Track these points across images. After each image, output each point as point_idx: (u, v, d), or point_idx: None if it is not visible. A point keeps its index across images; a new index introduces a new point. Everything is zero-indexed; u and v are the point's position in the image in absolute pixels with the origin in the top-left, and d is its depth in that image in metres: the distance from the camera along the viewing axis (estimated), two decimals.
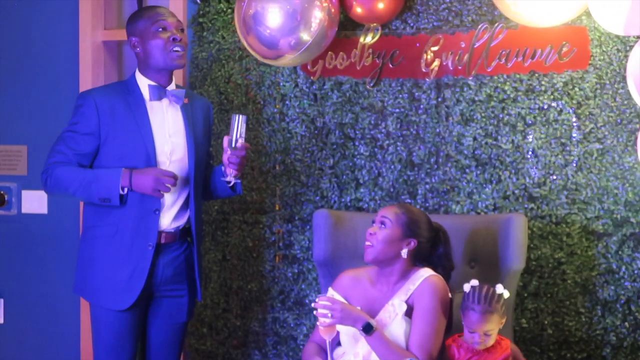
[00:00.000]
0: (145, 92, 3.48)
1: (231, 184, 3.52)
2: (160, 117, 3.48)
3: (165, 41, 3.42)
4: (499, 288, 3.18)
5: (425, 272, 3.25)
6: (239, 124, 3.39)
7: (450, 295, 3.25)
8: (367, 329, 3.09)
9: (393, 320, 3.17)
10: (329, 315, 3.10)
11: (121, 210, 3.42)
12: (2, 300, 4.72)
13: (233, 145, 3.39)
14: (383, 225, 3.23)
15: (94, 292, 3.50)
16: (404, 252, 3.24)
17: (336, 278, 3.44)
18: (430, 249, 3.31)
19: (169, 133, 3.48)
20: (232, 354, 4.24)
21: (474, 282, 3.23)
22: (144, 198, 3.41)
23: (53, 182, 3.42)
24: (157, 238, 3.44)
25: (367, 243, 3.25)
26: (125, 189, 3.36)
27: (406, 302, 3.19)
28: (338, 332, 3.21)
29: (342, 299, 3.26)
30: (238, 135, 3.39)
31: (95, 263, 3.49)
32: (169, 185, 3.34)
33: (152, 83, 3.48)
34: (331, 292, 3.33)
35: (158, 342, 3.60)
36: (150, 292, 3.51)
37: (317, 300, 3.15)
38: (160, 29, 3.43)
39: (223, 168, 3.48)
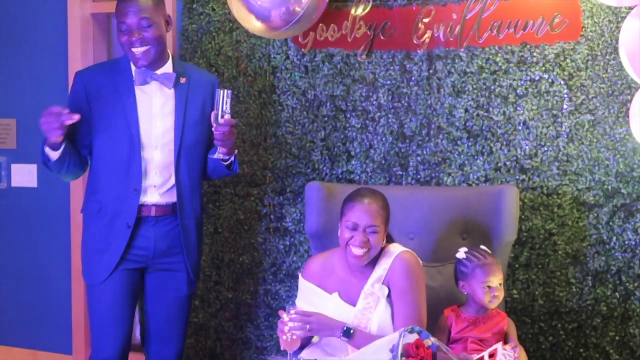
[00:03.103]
0: (135, 74, 3.48)
1: (227, 161, 3.51)
2: (148, 101, 3.47)
3: (126, 40, 3.39)
4: (485, 248, 3.30)
5: (395, 249, 3.21)
6: (223, 99, 3.32)
7: (421, 263, 3.22)
8: (347, 334, 3.05)
9: (377, 305, 3.14)
10: (307, 328, 3.02)
11: (105, 188, 3.46)
12: None
13: (218, 120, 3.34)
14: (375, 233, 3.12)
15: (84, 267, 3.56)
16: (385, 239, 3.21)
17: (304, 266, 3.38)
18: None
19: (157, 116, 3.46)
20: (224, 326, 4.26)
21: (464, 248, 3.28)
22: (127, 177, 3.42)
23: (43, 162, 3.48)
24: (138, 214, 3.43)
25: (360, 251, 3.11)
26: (60, 148, 3.33)
27: (383, 282, 3.15)
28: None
29: (317, 290, 3.24)
30: (222, 110, 3.33)
31: (83, 239, 3.56)
32: (60, 123, 3.23)
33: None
34: (302, 282, 3.30)
35: (159, 316, 3.59)
36: (144, 264, 3.52)
37: (289, 313, 3.03)
38: (123, 29, 3.39)
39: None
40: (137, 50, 3.38)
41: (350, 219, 3.12)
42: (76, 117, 3.24)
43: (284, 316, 3.04)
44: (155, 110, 3.46)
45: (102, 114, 3.43)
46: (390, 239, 3.28)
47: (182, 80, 3.50)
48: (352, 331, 3.05)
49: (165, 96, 3.49)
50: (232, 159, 3.53)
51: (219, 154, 3.43)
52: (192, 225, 3.57)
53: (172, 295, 3.57)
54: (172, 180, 3.49)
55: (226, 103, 3.33)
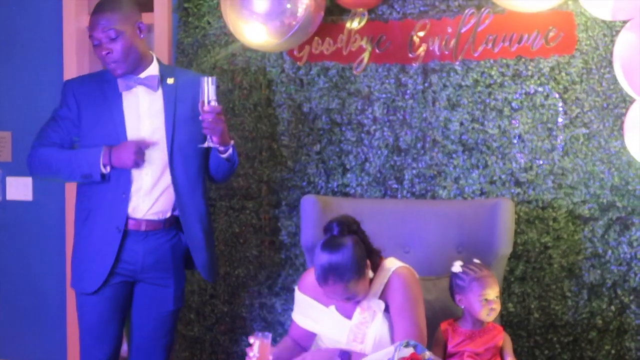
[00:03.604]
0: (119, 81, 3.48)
1: (225, 153, 3.47)
2: (135, 102, 3.46)
3: (99, 54, 3.41)
4: (478, 261, 3.29)
5: (391, 264, 3.19)
6: (208, 86, 3.32)
7: (417, 276, 3.21)
8: (345, 357, 3.05)
9: (374, 319, 3.12)
10: None
11: (94, 194, 3.45)
12: None
13: (203, 108, 3.34)
14: (354, 297, 3.09)
15: (73, 276, 3.56)
16: (370, 274, 3.12)
17: (300, 279, 3.37)
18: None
19: (144, 115, 3.46)
20: (220, 340, 4.25)
21: (460, 262, 3.27)
22: (115, 181, 3.41)
23: (37, 162, 3.48)
24: (126, 223, 3.43)
25: (350, 302, 3.13)
26: (107, 167, 3.38)
27: (380, 298, 3.13)
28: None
29: (313, 303, 3.23)
30: (208, 98, 3.33)
31: (73, 247, 3.56)
32: (141, 156, 3.36)
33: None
34: (298, 294, 3.29)
35: (144, 330, 3.58)
36: (133, 278, 3.51)
37: (257, 337, 3.05)
38: (94, 43, 3.40)
39: None
40: (109, 63, 3.39)
41: (326, 294, 3.11)
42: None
43: (250, 340, 3.05)
44: (143, 111, 3.46)
45: (90, 121, 3.45)
46: (374, 256, 3.18)
47: (170, 81, 3.50)
48: (349, 355, 3.06)
49: (152, 97, 3.48)
50: (230, 150, 3.50)
51: (209, 142, 3.41)
52: (196, 222, 3.54)
53: (157, 310, 3.55)
54: (165, 182, 3.47)
55: (211, 90, 3.32)
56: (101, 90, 3.47)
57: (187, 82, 3.55)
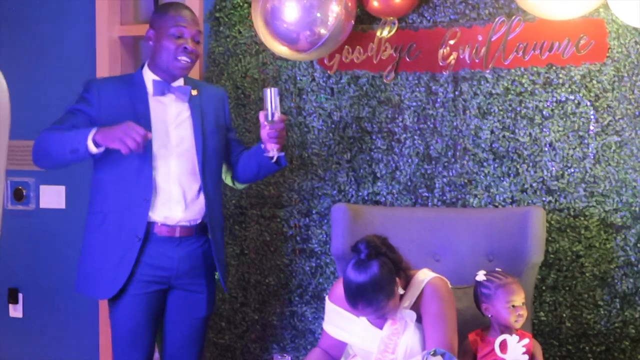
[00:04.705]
0: (150, 86, 3.50)
1: (274, 158, 3.46)
2: (163, 110, 3.49)
3: (176, 47, 3.43)
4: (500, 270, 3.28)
5: (425, 275, 3.17)
6: (272, 97, 3.34)
7: (450, 287, 3.20)
8: None
9: (405, 330, 3.11)
10: None
11: (109, 196, 3.44)
12: (21, 295, 4.75)
13: (270, 119, 3.36)
14: (383, 316, 3.11)
15: (83, 280, 3.55)
16: (400, 290, 3.09)
17: (331, 289, 3.36)
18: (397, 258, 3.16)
19: (172, 126, 3.47)
20: (251, 348, 4.26)
21: (483, 271, 3.27)
22: (134, 184, 3.39)
23: (36, 145, 3.41)
24: (147, 230, 3.41)
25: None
26: (100, 147, 3.25)
27: (413, 308, 3.12)
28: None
29: (344, 313, 3.22)
30: (273, 109, 3.35)
31: (84, 251, 3.55)
32: (137, 139, 3.16)
33: (157, 78, 3.50)
34: (329, 304, 3.28)
35: (177, 336, 3.59)
36: (167, 285, 3.52)
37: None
38: (177, 35, 3.44)
39: (263, 145, 3.44)
40: (186, 59, 3.44)
41: (356, 314, 3.15)
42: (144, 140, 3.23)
43: None
44: (170, 119, 3.48)
45: (114, 122, 3.34)
46: (404, 274, 3.14)
47: (194, 92, 3.54)
48: None
49: (180, 106, 3.52)
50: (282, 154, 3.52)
51: (274, 151, 3.42)
52: (219, 231, 3.58)
53: (191, 317, 3.57)
54: (194, 191, 3.48)
55: (275, 100, 3.35)
56: (128, 93, 3.48)
57: (209, 95, 3.62)
